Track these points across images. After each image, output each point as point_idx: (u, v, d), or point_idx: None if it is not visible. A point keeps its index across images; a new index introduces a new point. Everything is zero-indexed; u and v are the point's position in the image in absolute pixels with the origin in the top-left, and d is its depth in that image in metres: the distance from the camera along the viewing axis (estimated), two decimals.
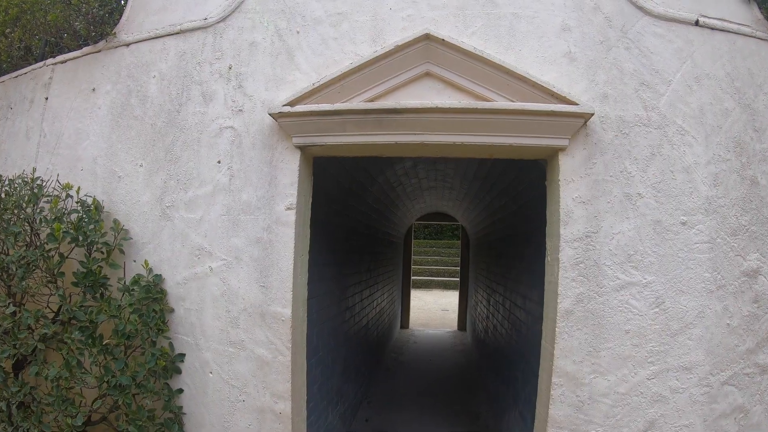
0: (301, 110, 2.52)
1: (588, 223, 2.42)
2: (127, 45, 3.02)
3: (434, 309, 14.91)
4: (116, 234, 2.80)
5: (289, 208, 2.63)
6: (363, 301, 6.01)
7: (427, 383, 7.05)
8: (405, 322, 11.71)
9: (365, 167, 4.75)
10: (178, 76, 2.88)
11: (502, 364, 5.32)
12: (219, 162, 2.75)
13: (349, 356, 5.05)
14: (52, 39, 3.49)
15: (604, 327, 2.40)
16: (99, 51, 3.08)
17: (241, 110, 2.73)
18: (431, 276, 19.57)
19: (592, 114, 2.37)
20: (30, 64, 3.42)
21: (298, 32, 2.72)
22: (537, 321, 3.57)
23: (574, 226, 2.43)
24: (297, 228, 2.64)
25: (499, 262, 6.07)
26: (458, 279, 12.93)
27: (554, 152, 2.48)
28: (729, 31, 2.54)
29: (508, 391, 4.82)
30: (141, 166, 2.90)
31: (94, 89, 3.05)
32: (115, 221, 2.82)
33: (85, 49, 3.13)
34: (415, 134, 2.49)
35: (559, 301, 2.41)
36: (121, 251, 2.81)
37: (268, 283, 2.65)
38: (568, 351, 2.41)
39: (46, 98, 3.22)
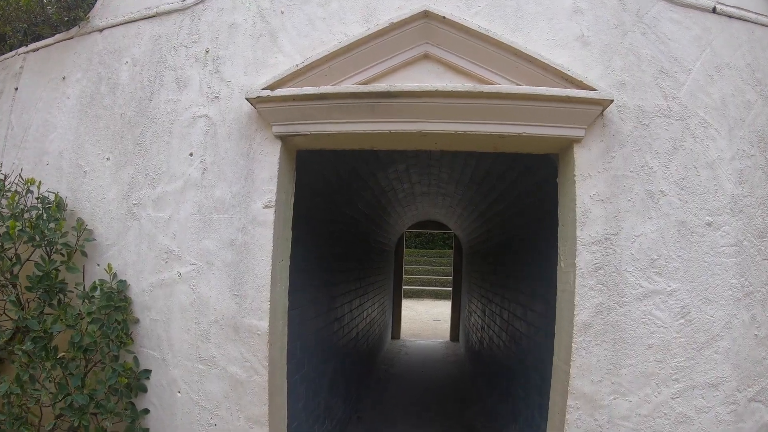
0: (282, 94, 2.24)
1: (607, 224, 2.17)
2: (101, 30, 2.78)
3: (426, 319, 14.65)
4: (78, 234, 2.52)
5: (267, 206, 2.35)
6: (353, 311, 5.73)
7: (420, 395, 6.83)
8: (396, 333, 11.47)
9: (356, 167, 4.50)
10: (151, 61, 2.63)
11: (500, 378, 5.08)
12: (191, 154, 2.47)
13: (337, 370, 4.76)
14: (25, 26, 3.23)
15: (625, 341, 2.14)
16: (71, 38, 2.84)
17: (217, 97, 2.47)
18: (423, 285, 19.37)
19: (612, 101, 2.13)
20: (3, 54, 3.16)
21: (282, 12, 2.46)
22: (539, 333, 3.33)
23: (593, 227, 2.18)
24: (276, 229, 2.36)
25: (496, 271, 5.84)
26: (450, 288, 12.70)
27: (569, 144, 2.23)
28: (747, 20, 2.38)
29: (506, 406, 4.57)
30: (108, 159, 2.62)
31: (64, 78, 2.81)
32: (79, 220, 2.57)
33: (58, 36, 2.89)
34: (412, 122, 2.22)
35: (575, 312, 2.15)
36: (84, 254, 2.53)
37: (243, 292, 2.36)
38: (586, 369, 2.14)
39: (16, 88, 2.97)
